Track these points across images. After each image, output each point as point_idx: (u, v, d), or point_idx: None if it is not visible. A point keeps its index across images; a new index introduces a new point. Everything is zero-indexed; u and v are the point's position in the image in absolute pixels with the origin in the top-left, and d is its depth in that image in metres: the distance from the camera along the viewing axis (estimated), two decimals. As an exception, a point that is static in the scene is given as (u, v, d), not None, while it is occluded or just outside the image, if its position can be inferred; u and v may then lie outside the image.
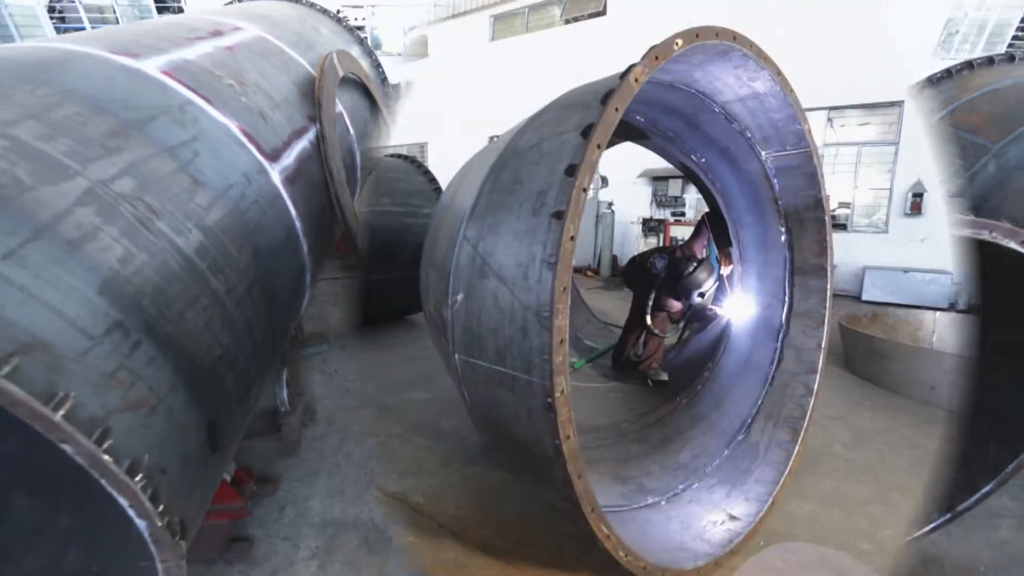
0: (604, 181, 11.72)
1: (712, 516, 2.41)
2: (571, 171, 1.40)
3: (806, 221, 2.75)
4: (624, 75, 1.53)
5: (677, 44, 1.65)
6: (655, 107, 2.75)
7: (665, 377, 3.80)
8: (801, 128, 2.42)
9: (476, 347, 1.73)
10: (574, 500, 1.48)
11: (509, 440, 1.75)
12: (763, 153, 2.66)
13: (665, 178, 10.76)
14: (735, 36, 1.90)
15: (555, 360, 1.34)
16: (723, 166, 2.98)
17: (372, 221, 5.41)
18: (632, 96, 1.49)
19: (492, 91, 13.43)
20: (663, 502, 2.51)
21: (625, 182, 11.39)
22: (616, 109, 1.45)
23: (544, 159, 1.62)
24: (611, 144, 4.84)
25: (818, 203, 2.67)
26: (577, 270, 10.97)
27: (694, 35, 1.71)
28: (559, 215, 1.37)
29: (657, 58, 1.58)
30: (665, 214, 10.97)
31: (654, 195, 11.26)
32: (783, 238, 2.89)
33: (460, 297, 1.80)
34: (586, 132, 1.45)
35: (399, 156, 6.60)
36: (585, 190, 1.39)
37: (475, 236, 1.76)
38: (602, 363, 4.63)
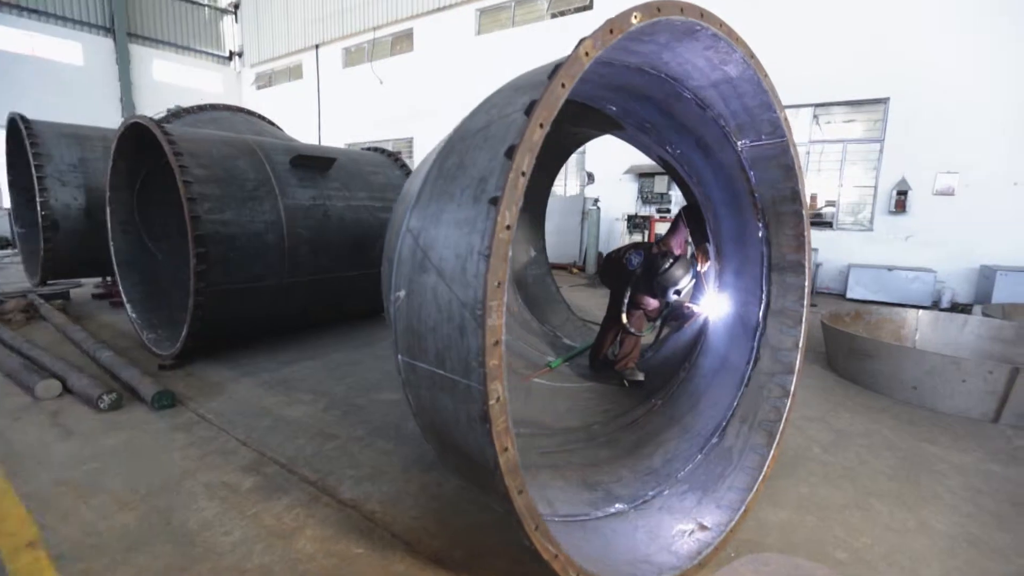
0: (590, 177, 11.62)
1: (681, 525, 2.29)
2: (510, 153, 1.25)
3: (783, 215, 2.63)
4: (575, 49, 1.39)
5: (635, 18, 1.51)
6: (626, 94, 2.61)
7: (641, 377, 3.69)
8: (777, 116, 2.29)
9: (417, 348, 1.58)
10: (515, 518, 1.34)
11: (453, 448, 1.61)
12: (738, 143, 2.53)
13: (651, 175, 10.67)
14: (702, 13, 1.76)
15: (488, 363, 1.20)
16: (698, 157, 2.85)
17: (347, 216, 5.25)
18: (581, 71, 1.35)
19: (478, 85, 13.24)
20: (630, 510, 2.38)
21: (611, 179, 11.30)
22: (563, 85, 1.31)
23: (488, 142, 1.47)
24: (589, 136, 4.71)
25: (795, 195, 2.54)
26: (562, 267, 10.85)
27: (655, 9, 1.57)
28: (494, 201, 1.23)
29: (612, 31, 1.44)
30: (651, 211, 10.87)
31: (640, 191, 11.17)
32: (760, 233, 2.77)
33: (402, 293, 1.66)
34: (530, 111, 1.30)
35: (376, 150, 6.42)
36: (524, 174, 1.24)
37: (417, 227, 1.62)
38: (581, 362, 4.51)
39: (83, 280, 8.09)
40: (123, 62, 17.59)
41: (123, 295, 5.17)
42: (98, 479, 2.70)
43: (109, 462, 2.87)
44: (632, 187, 11.27)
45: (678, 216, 3.56)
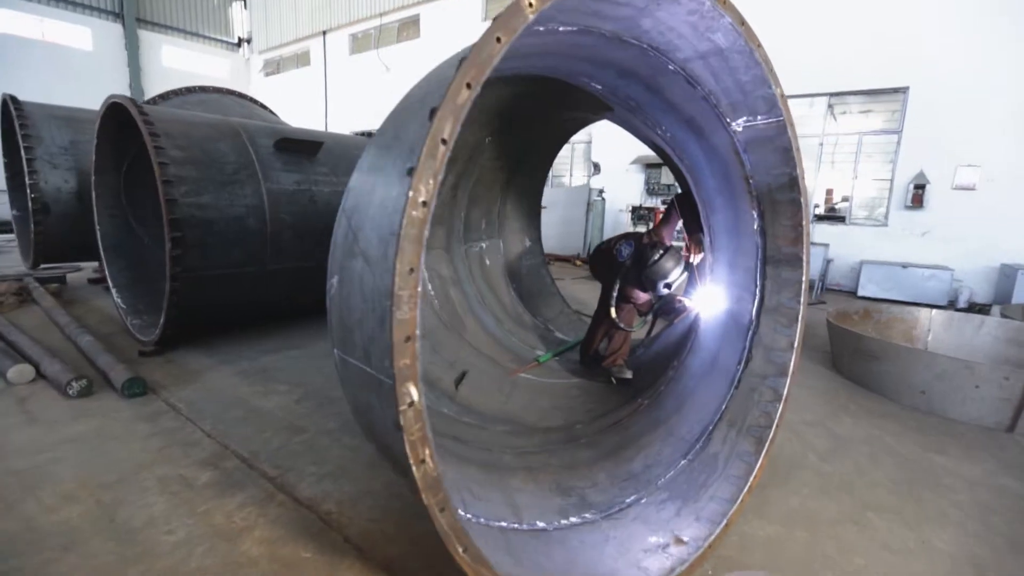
0: (596, 168, 11.35)
1: (656, 538, 2.11)
2: (432, 116, 1.07)
3: (779, 203, 2.41)
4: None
5: (597, -34, 1.31)
6: (609, 69, 2.40)
7: (629, 375, 3.50)
8: (772, 92, 2.07)
9: (348, 341, 1.42)
10: (439, 539, 1.17)
11: (387, 452, 1.45)
12: (731, 123, 2.32)
13: (658, 165, 10.38)
14: (681, -32, 1.56)
15: (398, 363, 1.03)
16: (690, 140, 2.64)
17: (334, 201, 5.09)
18: (524, 24, 1.15)
19: (484, 73, 13.02)
20: (603, 520, 2.21)
21: (618, 169, 11.03)
22: (499, 39, 1.12)
23: (424, 110, 1.29)
24: (583, 122, 4.47)
25: (793, 182, 2.32)
26: (565, 259, 10.63)
27: (622, -41, 1.37)
28: (410, 172, 1.05)
29: (566, -20, 1.24)
30: (656, 202, 10.60)
31: (647, 182, 10.88)
32: (755, 224, 2.56)
33: (335, 281, 1.49)
34: (460, 67, 1.12)
35: (367, 134, 6.24)
36: (444, 141, 1.06)
37: (351, 207, 1.45)
38: (572, 356, 4.33)
39: (83, 264, 8.07)
40: (132, 47, 17.58)
41: (109, 280, 5.08)
42: (52, 469, 2.58)
43: (68, 451, 2.76)
44: (639, 178, 10.99)
45: (671, 204, 3.35)
